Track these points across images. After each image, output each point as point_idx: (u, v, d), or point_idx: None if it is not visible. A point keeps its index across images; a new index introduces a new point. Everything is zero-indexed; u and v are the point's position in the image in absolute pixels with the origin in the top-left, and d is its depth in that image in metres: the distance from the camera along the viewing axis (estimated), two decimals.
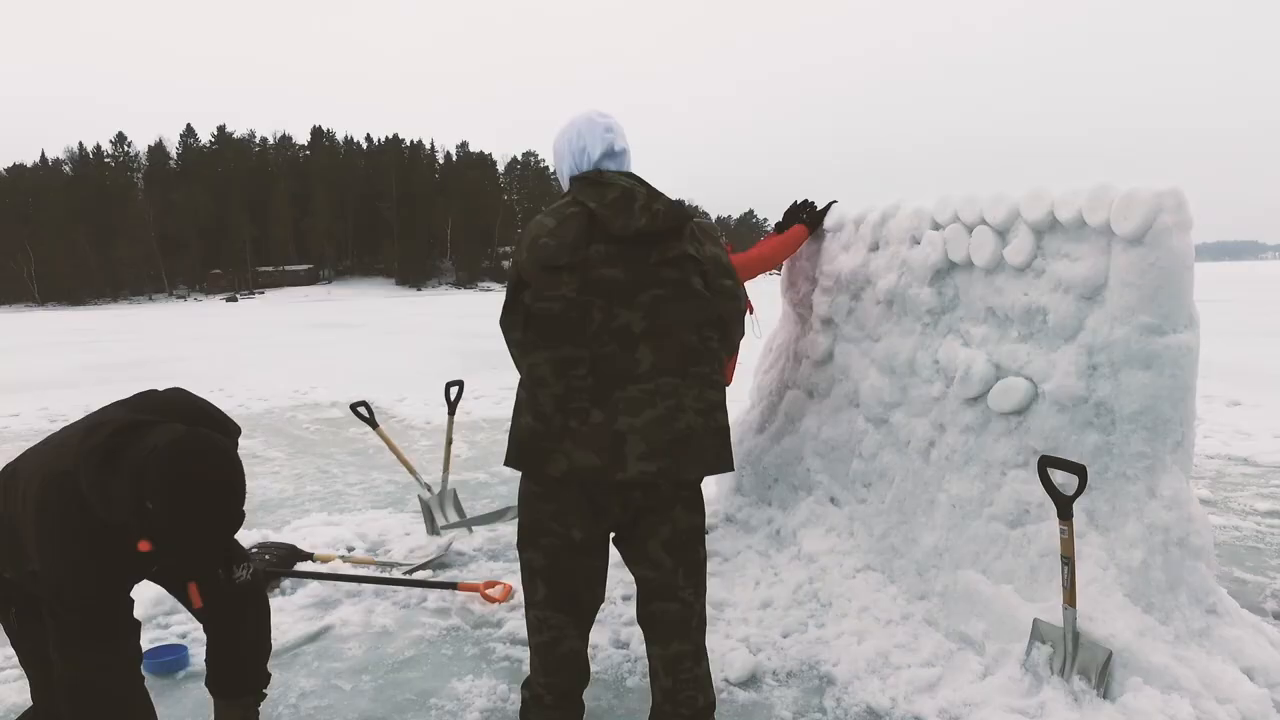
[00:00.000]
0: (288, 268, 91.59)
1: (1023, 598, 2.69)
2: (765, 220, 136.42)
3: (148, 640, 3.18)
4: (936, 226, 3.19)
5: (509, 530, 4.57)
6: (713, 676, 2.78)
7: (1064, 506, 2.33)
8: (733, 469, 2.28)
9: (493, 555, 4.19)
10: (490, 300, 60.09)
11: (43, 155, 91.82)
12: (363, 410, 4.57)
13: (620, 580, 3.65)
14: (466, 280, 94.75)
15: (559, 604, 2.25)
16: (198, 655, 2.95)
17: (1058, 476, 2.41)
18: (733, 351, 2.34)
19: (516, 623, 3.25)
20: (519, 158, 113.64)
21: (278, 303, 67.54)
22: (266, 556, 3.82)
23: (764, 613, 3.20)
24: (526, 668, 2.92)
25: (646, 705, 2.66)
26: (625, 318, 2.07)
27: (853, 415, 3.57)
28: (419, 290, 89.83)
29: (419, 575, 3.83)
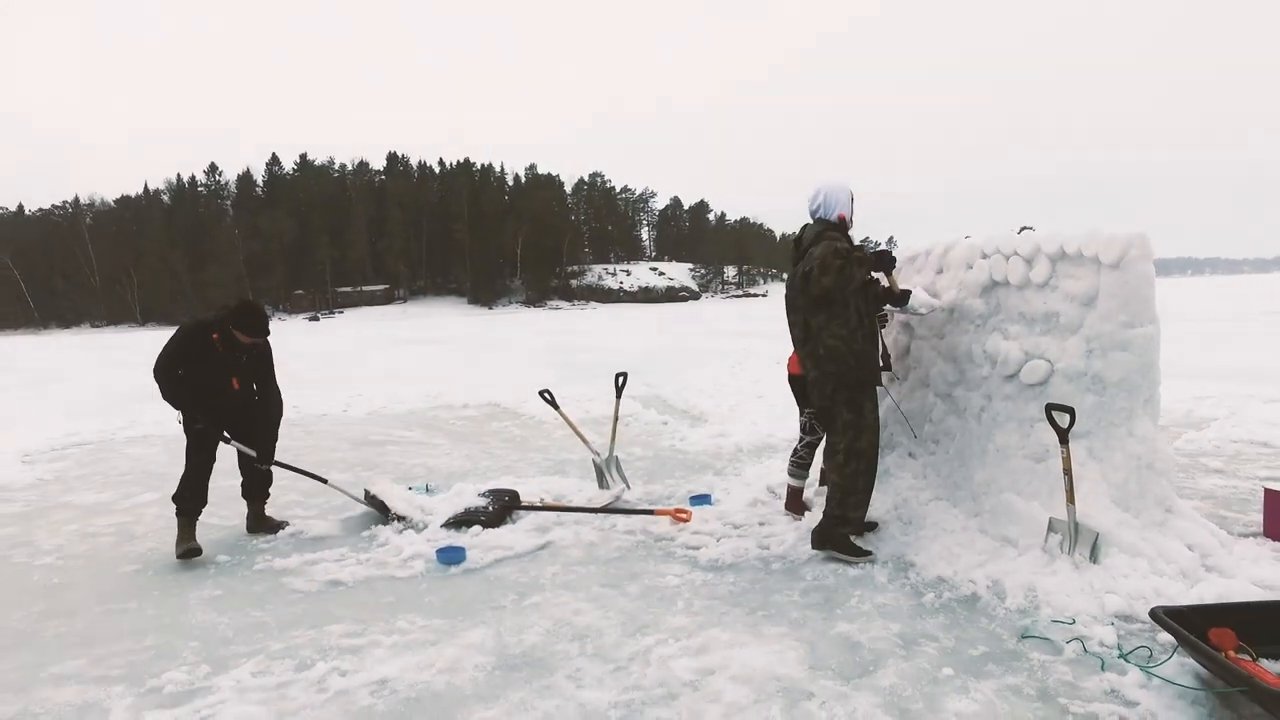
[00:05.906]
0: (365, 288, 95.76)
1: (1044, 509, 3.97)
2: None
3: (432, 544, 4.68)
4: (984, 256, 4.50)
5: (659, 488, 5.99)
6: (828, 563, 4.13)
7: (1062, 435, 3.61)
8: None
9: (651, 503, 5.60)
10: (562, 318, 62.01)
11: (145, 186, 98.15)
12: (547, 395, 6.06)
13: (754, 515, 5.03)
14: (536, 299, 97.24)
15: None
16: (472, 554, 4.45)
17: (1061, 418, 3.69)
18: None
19: (687, 538, 4.66)
20: (585, 179, 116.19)
21: (359, 321, 70.85)
22: (505, 499, 5.30)
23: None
24: (702, 561, 4.31)
25: (783, 583, 4.02)
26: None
27: (924, 393, 4.88)
28: (490, 308, 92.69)
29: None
